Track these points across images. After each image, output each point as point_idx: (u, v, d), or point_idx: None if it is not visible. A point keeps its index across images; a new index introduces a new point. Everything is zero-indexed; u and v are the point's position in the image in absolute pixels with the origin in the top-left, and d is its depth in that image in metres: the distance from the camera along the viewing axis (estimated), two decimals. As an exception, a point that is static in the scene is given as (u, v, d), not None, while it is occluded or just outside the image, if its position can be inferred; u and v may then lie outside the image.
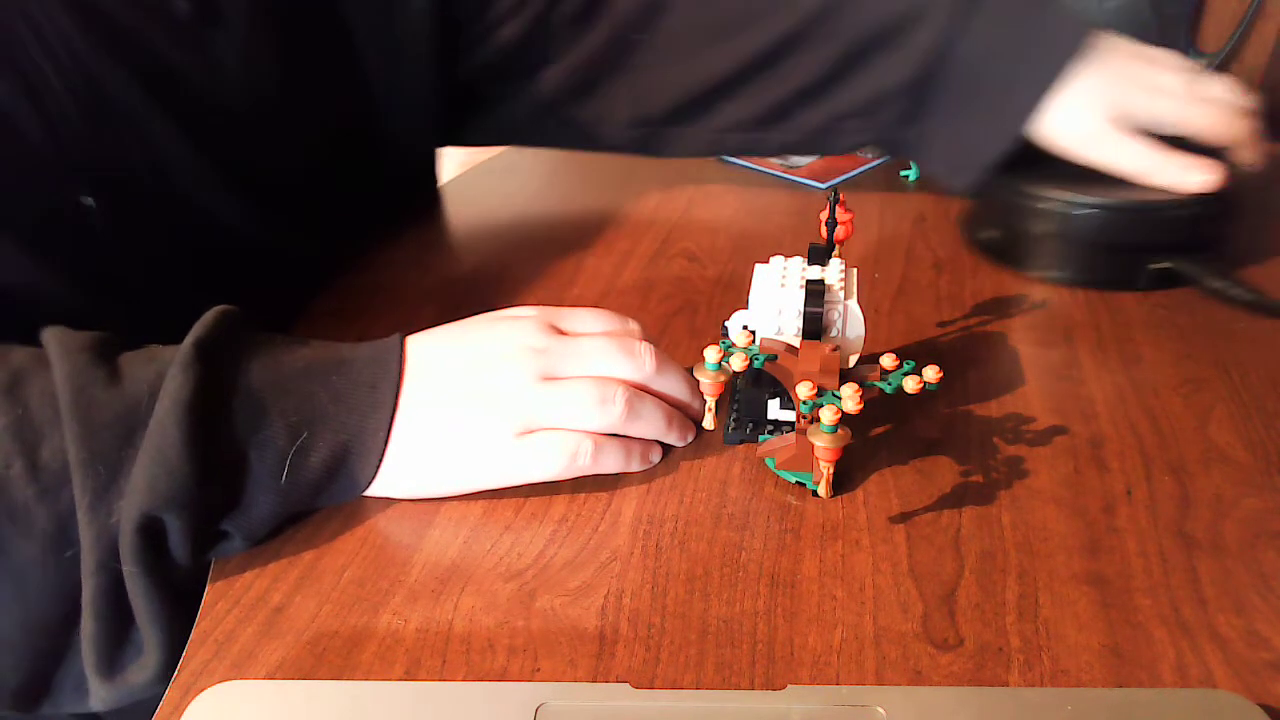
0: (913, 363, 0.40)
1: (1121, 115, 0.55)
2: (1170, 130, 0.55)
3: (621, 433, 0.42)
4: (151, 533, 0.36)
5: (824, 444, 0.38)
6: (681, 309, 0.56)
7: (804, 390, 0.38)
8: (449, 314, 0.46)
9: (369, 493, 0.41)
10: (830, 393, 0.39)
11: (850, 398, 0.37)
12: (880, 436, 0.45)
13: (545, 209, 0.70)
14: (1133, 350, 0.51)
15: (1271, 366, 0.49)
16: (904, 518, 0.40)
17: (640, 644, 0.35)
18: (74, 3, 0.43)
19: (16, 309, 0.42)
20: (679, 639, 0.35)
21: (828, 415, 0.37)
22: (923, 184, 0.71)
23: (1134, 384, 0.48)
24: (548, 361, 0.42)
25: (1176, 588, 0.36)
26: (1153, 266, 0.55)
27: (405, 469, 0.41)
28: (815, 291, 0.41)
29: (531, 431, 0.41)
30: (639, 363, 0.43)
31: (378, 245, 0.66)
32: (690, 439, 0.45)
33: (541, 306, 0.46)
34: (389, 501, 0.42)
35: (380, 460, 0.40)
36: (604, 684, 0.33)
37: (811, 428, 0.39)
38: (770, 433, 0.44)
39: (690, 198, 0.71)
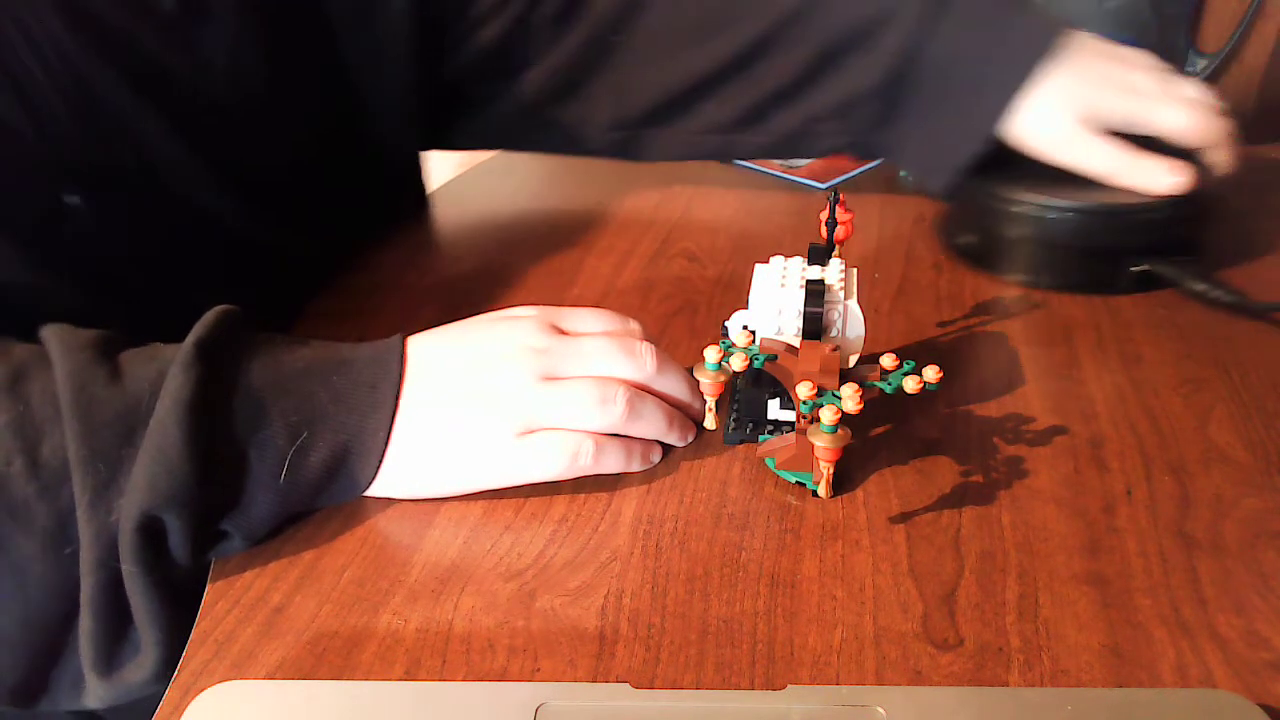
0: (913, 363, 0.40)
1: (1092, 116, 0.54)
2: (1142, 131, 0.55)
3: (622, 433, 0.42)
4: (151, 532, 0.36)
5: (824, 444, 0.38)
6: (681, 309, 0.56)
7: (804, 390, 0.38)
8: (449, 314, 0.46)
9: (369, 493, 0.41)
10: (830, 393, 0.39)
11: (850, 398, 0.37)
12: (880, 436, 0.45)
13: (545, 209, 0.70)
14: (1133, 350, 0.51)
15: (1271, 366, 0.49)
16: (904, 518, 0.40)
17: (640, 644, 0.35)
18: (62, 4, 0.43)
19: (14, 308, 0.42)
20: (679, 639, 0.35)
21: (828, 415, 0.37)
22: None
23: (1134, 384, 0.48)
24: (548, 361, 0.42)
25: (1176, 588, 0.36)
26: (1132, 269, 0.55)
27: (405, 469, 0.41)
28: (815, 291, 0.41)
29: (532, 431, 0.41)
30: (640, 363, 0.43)
31: (377, 246, 0.66)
32: (690, 439, 0.45)
33: (542, 306, 0.46)
34: (389, 501, 0.42)
35: (380, 460, 0.40)
36: (604, 684, 0.33)
37: (811, 428, 0.39)
38: (770, 433, 0.44)
39: (690, 198, 0.71)
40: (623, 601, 0.37)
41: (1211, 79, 0.77)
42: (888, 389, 0.40)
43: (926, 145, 0.59)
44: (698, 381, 0.41)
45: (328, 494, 0.40)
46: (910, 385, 0.39)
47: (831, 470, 0.40)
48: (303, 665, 0.35)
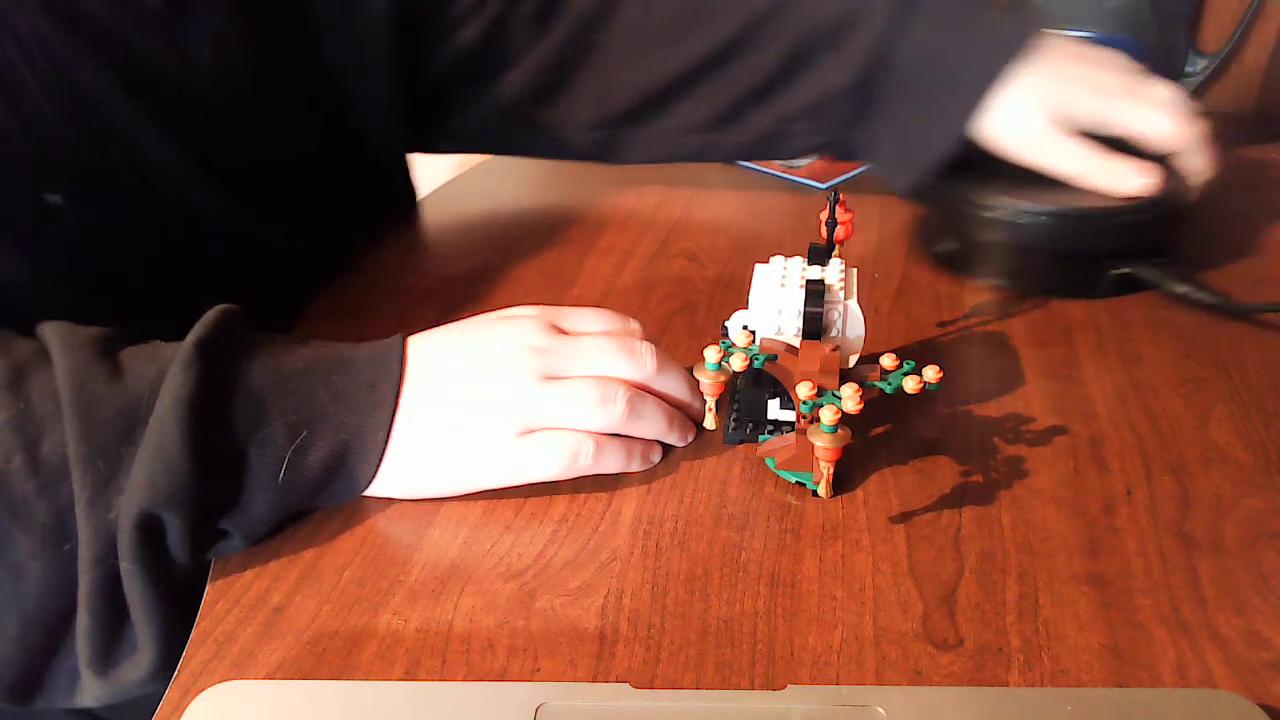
0: (913, 363, 0.40)
1: (1063, 116, 0.54)
2: (1114, 132, 0.55)
3: (622, 433, 0.42)
4: (150, 530, 0.36)
5: (824, 444, 0.38)
6: (681, 309, 0.56)
7: (804, 390, 0.38)
8: (449, 314, 0.46)
9: (369, 493, 0.41)
10: (830, 393, 0.39)
11: (850, 398, 0.37)
12: (880, 436, 0.45)
13: (545, 209, 0.70)
14: (1133, 350, 0.51)
15: (1271, 366, 0.49)
16: (904, 518, 0.40)
17: (640, 644, 0.35)
18: (49, 2, 0.43)
19: (10, 308, 0.42)
20: (679, 639, 0.35)
21: (828, 415, 0.37)
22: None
23: (1134, 384, 0.48)
24: (549, 361, 0.42)
25: (1176, 588, 0.36)
26: (1113, 273, 0.54)
27: (405, 469, 0.41)
28: (815, 291, 0.41)
29: (532, 431, 0.41)
30: (640, 362, 0.43)
31: (376, 246, 0.66)
32: (690, 439, 0.45)
33: (542, 306, 0.46)
34: (389, 501, 0.42)
35: (380, 460, 0.40)
36: (604, 684, 0.33)
37: (811, 428, 0.39)
38: (770, 433, 0.44)
39: (690, 198, 0.71)
40: (623, 601, 0.37)
41: (1211, 79, 0.77)
42: (888, 389, 0.40)
43: (897, 144, 0.59)
44: (698, 381, 0.41)
45: (327, 493, 0.40)
46: (910, 385, 0.39)
47: (831, 470, 0.40)
48: (303, 665, 0.35)
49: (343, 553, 0.40)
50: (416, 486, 0.41)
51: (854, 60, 0.58)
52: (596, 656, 0.35)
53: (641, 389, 0.43)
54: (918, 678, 0.33)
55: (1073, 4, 0.66)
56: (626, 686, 0.33)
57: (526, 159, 0.78)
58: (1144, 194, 0.53)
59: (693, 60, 0.61)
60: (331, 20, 0.57)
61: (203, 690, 0.33)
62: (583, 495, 0.42)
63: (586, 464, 0.41)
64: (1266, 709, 0.31)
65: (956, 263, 0.58)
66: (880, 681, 0.33)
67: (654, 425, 0.43)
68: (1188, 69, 0.72)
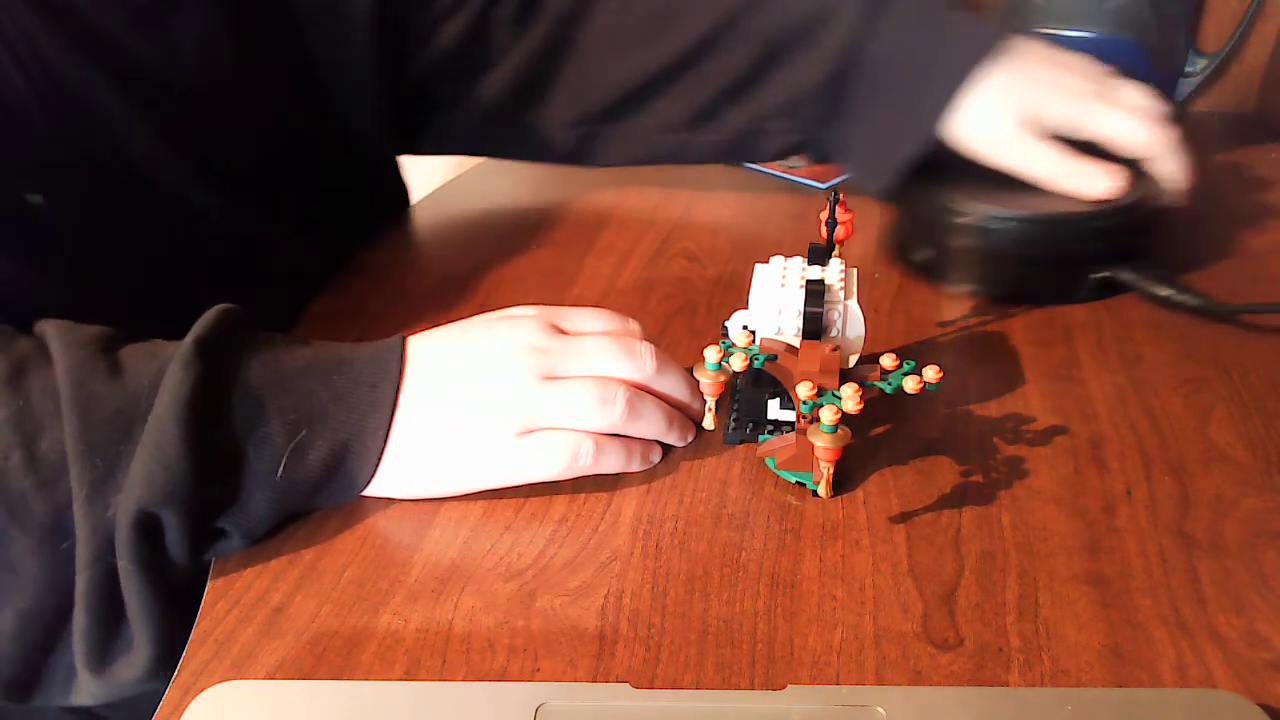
0: (913, 363, 0.40)
1: (1032, 118, 0.54)
2: (1084, 136, 0.55)
3: (622, 433, 0.42)
4: (147, 529, 0.36)
5: (824, 444, 0.38)
6: (681, 309, 0.56)
7: (804, 390, 0.38)
8: (449, 314, 0.46)
9: (368, 493, 0.41)
10: (830, 393, 0.39)
11: (850, 398, 0.37)
12: (880, 436, 0.45)
13: (545, 209, 0.70)
14: (1133, 350, 0.51)
15: (1271, 366, 0.49)
16: (904, 518, 0.40)
17: (640, 644, 0.35)
18: (37, 0, 0.43)
19: (11, 306, 0.42)
20: (679, 639, 0.35)
21: (828, 415, 0.37)
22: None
23: (1134, 384, 0.48)
24: (548, 361, 0.42)
25: (1176, 588, 0.36)
26: (1093, 277, 0.54)
27: (405, 469, 0.41)
28: (815, 291, 0.41)
29: (532, 431, 0.41)
30: (639, 363, 0.43)
31: (375, 247, 0.66)
32: (690, 439, 0.45)
33: (541, 306, 0.46)
34: (389, 501, 0.42)
35: (379, 460, 0.40)
36: (604, 684, 0.33)
37: (811, 428, 0.39)
38: (770, 433, 0.44)
39: (690, 198, 0.71)
40: (623, 601, 0.37)
41: (1211, 79, 0.77)
42: (888, 389, 0.40)
43: (869, 144, 0.59)
44: (698, 381, 0.41)
45: (326, 493, 0.40)
46: (910, 385, 0.39)
47: (831, 470, 0.40)
48: (303, 665, 0.35)
49: (343, 553, 0.40)
50: (416, 486, 0.41)
51: (825, 58, 0.58)
52: (596, 656, 0.35)
53: (641, 389, 0.43)
54: (918, 678, 0.33)
55: (1073, 4, 0.66)
56: (626, 686, 0.33)
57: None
58: (1112, 197, 0.53)
59: (668, 58, 0.61)
60: (315, 17, 0.57)
61: (203, 690, 0.33)
62: (583, 495, 0.42)
63: (586, 464, 0.41)
64: (1266, 709, 0.31)
65: (934, 271, 0.58)
66: (880, 681, 0.33)
67: (654, 425, 0.43)
68: (1188, 69, 0.72)
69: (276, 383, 0.40)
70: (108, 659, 0.38)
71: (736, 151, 0.64)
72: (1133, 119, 0.54)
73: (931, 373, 0.39)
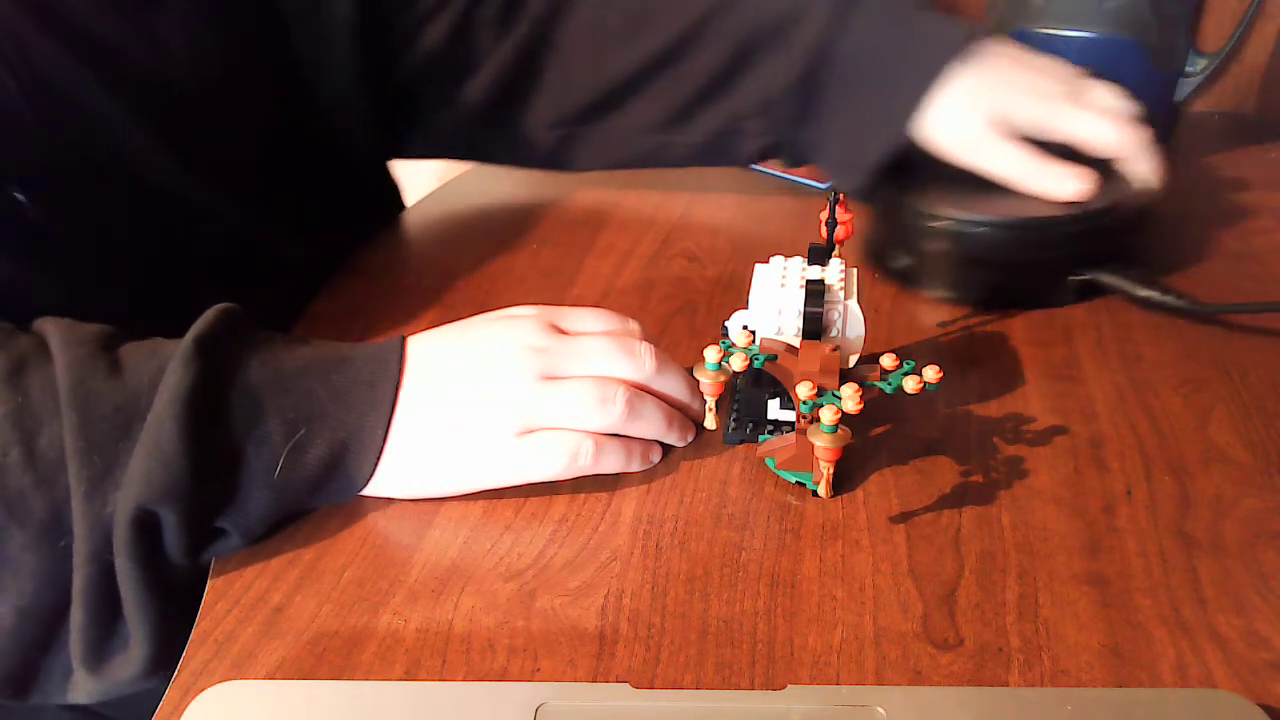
0: (913, 363, 0.40)
1: (1002, 119, 0.54)
2: (1055, 138, 0.54)
3: (622, 433, 0.42)
4: (145, 527, 0.37)
5: (824, 444, 0.38)
6: (681, 309, 0.56)
7: (804, 390, 0.38)
8: (449, 314, 0.46)
9: (367, 492, 0.41)
10: (830, 393, 0.39)
11: (850, 398, 0.37)
12: (880, 436, 0.45)
13: (545, 209, 0.70)
14: (1133, 350, 0.51)
15: (1271, 366, 0.49)
16: (904, 518, 0.40)
17: (640, 644, 0.35)
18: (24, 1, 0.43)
19: (11, 305, 0.42)
20: (679, 639, 0.35)
21: (828, 415, 0.37)
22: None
23: (1134, 384, 0.48)
24: (548, 361, 0.42)
25: (1176, 588, 0.36)
26: (1073, 279, 0.54)
27: (404, 468, 0.41)
28: (815, 291, 0.41)
29: (532, 431, 0.41)
30: (639, 363, 0.43)
31: (375, 247, 0.66)
32: (690, 439, 0.45)
33: (541, 306, 0.46)
34: (389, 501, 0.42)
35: (378, 459, 0.40)
36: (604, 684, 0.33)
37: (811, 428, 0.39)
38: (770, 433, 0.44)
39: (690, 198, 0.71)
40: (623, 601, 0.37)
41: (1211, 79, 0.77)
42: (888, 389, 0.40)
43: (840, 143, 0.59)
44: (697, 381, 0.41)
45: (325, 492, 0.40)
46: (910, 385, 0.39)
47: (831, 470, 0.40)
48: (303, 665, 0.35)
49: (343, 553, 0.40)
50: (415, 486, 0.41)
51: (797, 57, 0.58)
52: (596, 656, 0.35)
53: (641, 389, 0.43)
54: (918, 678, 0.33)
55: (1073, 4, 0.66)
56: (626, 686, 0.33)
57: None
58: (1083, 199, 0.53)
59: (645, 58, 0.61)
60: (299, 17, 0.57)
61: (203, 690, 0.33)
62: (583, 495, 0.42)
63: (586, 464, 0.41)
64: (1266, 709, 0.31)
65: (912, 279, 0.57)
66: (880, 681, 0.33)
67: (653, 425, 0.43)
68: (1188, 69, 0.72)
69: (275, 381, 0.40)
70: (104, 657, 0.38)
71: (713, 153, 0.63)
72: (1103, 120, 0.54)
73: (931, 373, 0.39)
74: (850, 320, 0.42)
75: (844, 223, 0.45)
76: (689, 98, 0.61)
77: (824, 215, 0.45)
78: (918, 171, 0.56)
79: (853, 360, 0.43)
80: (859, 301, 0.43)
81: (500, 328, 0.44)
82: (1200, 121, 0.82)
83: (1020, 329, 0.53)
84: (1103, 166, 0.54)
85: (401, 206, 0.74)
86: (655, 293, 0.58)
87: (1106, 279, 0.54)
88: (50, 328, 0.40)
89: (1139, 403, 0.47)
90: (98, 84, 0.46)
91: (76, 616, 0.37)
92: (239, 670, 0.35)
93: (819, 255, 0.44)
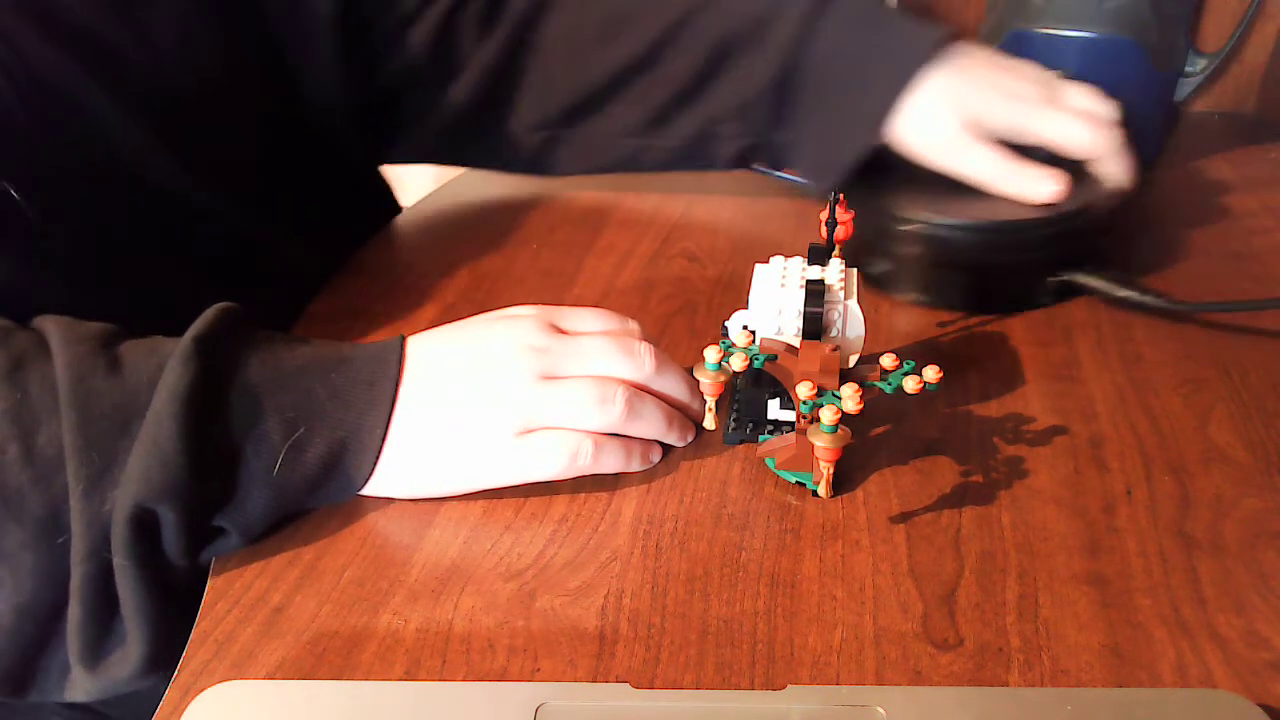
0: (913, 363, 0.40)
1: (975, 121, 0.54)
2: (1029, 140, 0.55)
3: (621, 432, 0.42)
4: (143, 525, 0.37)
5: (824, 444, 0.38)
6: (681, 309, 0.56)
7: (804, 390, 0.38)
8: (449, 314, 0.46)
9: (367, 492, 0.41)
10: (830, 393, 0.39)
11: (850, 398, 0.37)
12: (880, 436, 0.45)
13: (544, 209, 0.70)
14: (1133, 350, 0.51)
15: (1271, 366, 0.49)
16: (904, 518, 0.40)
17: (640, 644, 0.35)
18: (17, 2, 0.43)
19: (10, 304, 0.42)
20: (679, 639, 0.35)
21: (828, 415, 0.37)
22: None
23: (1134, 384, 0.48)
24: (548, 361, 0.42)
25: (1176, 588, 0.36)
26: (1051, 281, 0.54)
27: (403, 468, 0.41)
28: (815, 291, 0.41)
29: (531, 431, 0.41)
30: (639, 362, 0.43)
31: (374, 247, 0.66)
32: (690, 439, 0.45)
33: (541, 306, 0.46)
34: (389, 501, 0.42)
35: (377, 458, 0.40)
36: (604, 684, 0.33)
37: (811, 428, 0.39)
38: (770, 433, 0.44)
39: (690, 198, 0.71)
40: (623, 601, 0.37)
41: (1211, 79, 0.77)
42: (888, 389, 0.40)
43: (814, 145, 0.59)
44: (697, 381, 0.41)
45: (324, 491, 0.40)
46: (910, 385, 0.39)
47: (831, 470, 0.40)
48: (303, 665, 0.35)
49: (343, 553, 0.40)
50: (415, 486, 0.41)
51: (771, 59, 0.58)
52: (596, 656, 0.35)
53: (640, 389, 0.43)
54: (918, 678, 0.33)
55: (1073, 4, 0.66)
56: (626, 686, 0.33)
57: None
58: (1057, 201, 0.53)
59: (623, 61, 0.61)
60: (282, 18, 0.57)
61: (203, 690, 0.33)
62: (583, 495, 0.42)
63: (585, 464, 0.41)
64: (1266, 709, 0.31)
65: (888, 283, 0.57)
66: (880, 681, 0.33)
67: (653, 425, 0.43)
68: (1188, 69, 0.72)
69: (275, 380, 0.40)
70: (101, 655, 0.38)
71: (692, 157, 0.63)
72: (1077, 121, 0.55)
73: (931, 373, 0.39)
74: (850, 320, 0.42)
75: (844, 223, 0.45)
76: (666, 101, 0.61)
77: (824, 215, 0.45)
78: (892, 175, 0.56)
79: (853, 360, 0.43)
80: (859, 301, 0.43)
81: (500, 327, 0.44)
82: (1200, 121, 0.82)
83: (1020, 329, 0.53)
84: (1075, 168, 0.54)
85: (395, 209, 0.74)
86: (655, 293, 0.58)
87: (1084, 280, 0.54)
88: (50, 325, 0.40)
89: (1139, 403, 0.47)
90: (94, 84, 0.46)
91: (74, 614, 0.37)
92: (239, 670, 0.35)
93: (819, 255, 0.44)
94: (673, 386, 0.44)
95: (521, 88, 0.63)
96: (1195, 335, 0.51)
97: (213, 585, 0.38)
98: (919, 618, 0.35)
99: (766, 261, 0.45)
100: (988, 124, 0.54)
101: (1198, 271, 0.58)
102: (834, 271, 0.43)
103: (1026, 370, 0.49)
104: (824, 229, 0.45)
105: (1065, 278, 0.54)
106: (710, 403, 0.41)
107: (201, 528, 0.38)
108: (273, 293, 0.56)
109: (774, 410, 0.45)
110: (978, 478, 0.42)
